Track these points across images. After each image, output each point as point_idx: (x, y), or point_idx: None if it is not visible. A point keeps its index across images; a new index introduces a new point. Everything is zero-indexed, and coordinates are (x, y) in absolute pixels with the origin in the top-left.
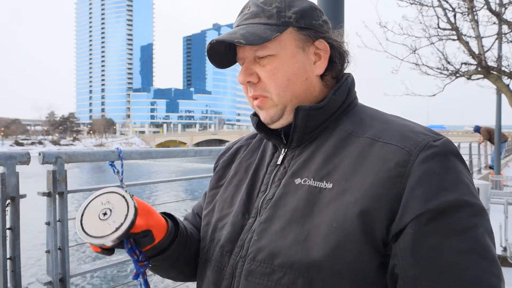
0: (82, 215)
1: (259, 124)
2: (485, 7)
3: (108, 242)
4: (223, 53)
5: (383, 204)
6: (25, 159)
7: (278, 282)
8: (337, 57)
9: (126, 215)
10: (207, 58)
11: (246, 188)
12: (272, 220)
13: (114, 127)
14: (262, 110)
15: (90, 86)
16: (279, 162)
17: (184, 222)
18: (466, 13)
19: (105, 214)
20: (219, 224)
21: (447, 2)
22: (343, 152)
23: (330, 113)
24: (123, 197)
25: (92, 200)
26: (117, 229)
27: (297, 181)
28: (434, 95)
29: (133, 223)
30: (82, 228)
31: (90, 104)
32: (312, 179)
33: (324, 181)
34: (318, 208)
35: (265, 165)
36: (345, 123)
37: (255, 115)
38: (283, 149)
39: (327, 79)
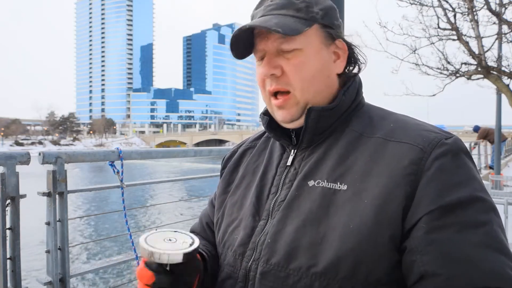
0: (146, 239)
1: (270, 123)
2: (485, 7)
3: (180, 256)
4: (242, 43)
5: (399, 203)
6: (25, 159)
7: (293, 286)
8: (353, 58)
9: (193, 242)
10: (207, 58)
11: (255, 190)
12: (286, 221)
13: (114, 127)
14: (283, 109)
15: (90, 86)
16: (289, 163)
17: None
18: (466, 13)
19: (170, 240)
20: (229, 229)
21: (447, 2)
22: (355, 153)
23: (340, 114)
24: (180, 232)
25: (150, 234)
26: (190, 245)
27: (311, 183)
28: (434, 95)
29: (199, 246)
30: (152, 246)
31: (90, 104)
32: (325, 181)
33: (338, 183)
34: (333, 210)
35: (274, 166)
36: (355, 124)
37: (265, 114)
38: (292, 150)
39: (341, 79)
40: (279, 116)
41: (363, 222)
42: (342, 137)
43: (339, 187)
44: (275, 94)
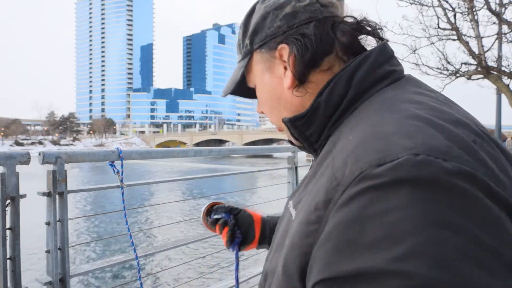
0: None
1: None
2: (485, 7)
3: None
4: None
5: (297, 262)
6: (25, 159)
7: None
8: (306, 48)
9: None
10: (207, 58)
11: None
12: (272, 244)
13: (114, 127)
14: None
15: (90, 86)
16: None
17: None
18: (466, 13)
19: None
20: None
21: (447, 2)
22: (316, 174)
23: (325, 117)
24: None
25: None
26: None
27: (289, 203)
28: None
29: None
30: None
31: (90, 104)
32: (292, 205)
33: (295, 209)
34: (286, 241)
35: None
36: (338, 130)
37: None
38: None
39: (316, 79)
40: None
41: (279, 269)
42: (323, 150)
43: (292, 214)
44: None
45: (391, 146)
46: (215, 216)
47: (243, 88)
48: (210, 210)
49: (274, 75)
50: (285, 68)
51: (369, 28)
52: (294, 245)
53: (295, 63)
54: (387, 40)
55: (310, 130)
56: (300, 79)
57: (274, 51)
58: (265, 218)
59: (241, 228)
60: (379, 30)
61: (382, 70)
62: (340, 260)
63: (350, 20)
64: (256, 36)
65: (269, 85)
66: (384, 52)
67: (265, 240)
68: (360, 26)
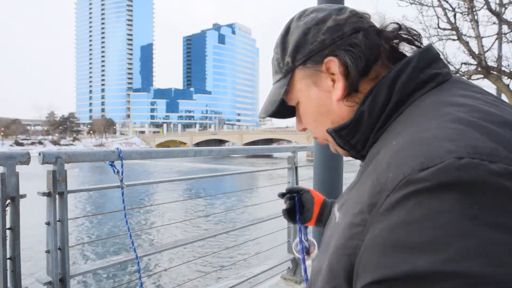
0: None
1: None
2: (485, 7)
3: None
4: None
5: (341, 261)
6: (25, 159)
7: None
8: (359, 57)
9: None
10: (207, 58)
11: None
12: (321, 244)
13: (114, 127)
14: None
15: (90, 86)
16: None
17: None
18: (466, 13)
19: None
20: None
21: (447, 2)
22: (360, 178)
23: (370, 125)
24: None
25: None
26: None
27: (335, 206)
28: None
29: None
30: None
31: (90, 104)
32: (338, 210)
33: (339, 213)
34: (327, 241)
35: None
36: (382, 137)
37: None
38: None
39: (364, 89)
40: (332, 150)
41: (325, 269)
42: (368, 156)
43: (336, 218)
44: None
45: (433, 150)
46: (282, 192)
47: (279, 108)
48: (287, 190)
49: (322, 89)
50: (333, 81)
51: (408, 35)
52: (339, 247)
53: (349, 73)
54: (433, 43)
55: (355, 138)
56: (352, 90)
57: (320, 65)
58: (325, 201)
59: (304, 206)
60: (418, 36)
61: (425, 74)
62: (391, 262)
63: (390, 28)
64: (298, 52)
65: (316, 99)
66: (427, 56)
67: (321, 220)
68: (400, 34)
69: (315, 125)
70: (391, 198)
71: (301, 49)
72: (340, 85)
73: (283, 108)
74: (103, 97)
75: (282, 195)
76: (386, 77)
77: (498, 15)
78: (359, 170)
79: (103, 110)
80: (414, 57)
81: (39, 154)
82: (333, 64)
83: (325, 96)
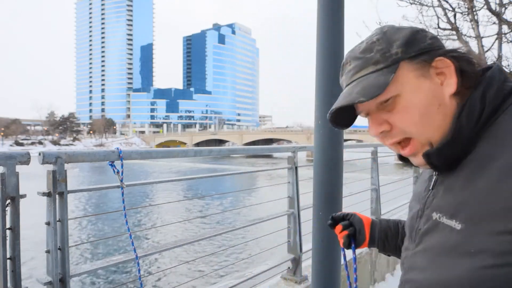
0: None
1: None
2: (485, 7)
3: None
4: (342, 113)
5: (500, 269)
6: (25, 159)
7: None
8: (465, 65)
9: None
10: (207, 58)
11: (411, 211)
12: (419, 254)
13: (114, 127)
14: (415, 156)
15: (90, 86)
16: (431, 187)
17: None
18: (466, 13)
19: None
20: (402, 248)
21: (447, 2)
22: (476, 182)
23: (468, 137)
24: None
25: None
26: None
27: (434, 215)
28: None
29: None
30: None
31: (90, 104)
32: (444, 216)
33: (454, 220)
34: (446, 252)
35: (424, 188)
36: (484, 142)
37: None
38: (434, 172)
39: (463, 93)
40: (415, 162)
41: (455, 275)
42: (469, 160)
43: (454, 225)
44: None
45: None
46: (332, 221)
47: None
48: (333, 218)
49: (434, 82)
50: (443, 77)
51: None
52: (487, 255)
53: (462, 73)
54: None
55: (454, 152)
56: (461, 87)
57: (429, 63)
58: (374, 222)
59: (354, 230)
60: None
61: (507, 86)
62: None
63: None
64: (409, 47)
65: (429, 91)
66: (502, 71)
67: (374, 241)
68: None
69: (422, 119)
70: None
71: (412, 45)
72: (453, 81)
73: (347, 112)
74: (103, 97)
75: (333, 224)
76: (478, 90)
77: (498, 15)
78: (462, 174)
79: (103, 110)
80: (495, 73)
81: (39, 154)
82: (444, 63)
83: (439, 89)
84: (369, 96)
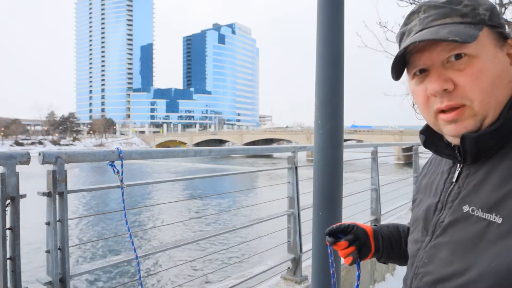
0: None
1: (428, 139)
2: None
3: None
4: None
5: None
6: (25, 159)
7: None
8: None
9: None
10: (207, 58)
11: (425, 204)
12: (441, 246)
13: (114, 127)
14: (456, 123)
15: (90, 86)
16: (454, 180)
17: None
18: None
19: None
20: (410, 239)
21: None
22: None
23: (507, 131)
24: None
25: None
26: None
27: (465, 208)
28: None
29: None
30: None
31: (90, 104)
32: (480, 209)
33: (494, 214)
34: (483, 245)
35: (443, 180)
36: None
37: (422, 133)
38: (458, 165)
39: None
40: (451, 130)
41: (507, 263)
42: (508, 156)
43: (494, 219)
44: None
45: None
46: (344, 239)
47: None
48: (330, 232)
49: (505, 59)
50: (510, 59)
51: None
52: None
53: None
54: None
55: (490, 142)
56: None
57: (505, 40)
58: (375, 230)
59: (360, 243)
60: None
61: None
62: None
63: None
64: (494, 15)
65: (503, 63)
66: None
67: (379, 251)
68: None
69: (489, 89)
70: None
71: (495, 15)
72: None
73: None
74: (103, 97)
75: (334, 240)
76: None
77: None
78: (501, 167)
79: (103, 110)
80: None
81: (39, 154)
82: None
83: (508, 65)
84: (463, 39)
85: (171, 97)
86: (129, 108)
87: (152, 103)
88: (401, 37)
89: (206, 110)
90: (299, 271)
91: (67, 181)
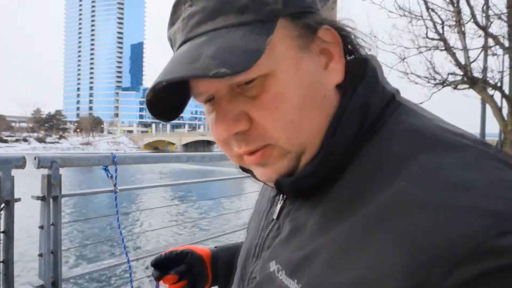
0: None
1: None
2: (472, 20)
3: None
4: (164, 92)
5: None
6: (21, 163)
7: None
8: (353, 45)
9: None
10: None
11: (248, 242)
12: None
13: (102, 126)
14: (264, 166)
15: (78, 84)
16: (274, 217)
17: None
18: (454, 25)
19: None
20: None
21: (436, 13)
22: (338, 224)
23: (339, 158)
24: None
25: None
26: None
27: (272, 266)
28: (421, 103)
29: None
30: None
31: (78, 102)
32: (283, 270)
33: (294, 278)
34: None
35: (266, 213)
36: (356, 165)
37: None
38: (280, 196)
39: (344, 86)
40: (260, 175)
41: None
42: (327, 196)
43: (292, 285)
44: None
45: (500, 203)
46: (173, 272)
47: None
48: (157, 263)
49: (316, 62)
50: (328, 57)
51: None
52: None
53: (343, 57)
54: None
55: (314, 178)
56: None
57: (314, 31)
58: (214, 253)
59: (194, 274)
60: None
61: (389, 87)
62: None
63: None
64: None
65: (313, 73)
66: (381, 69)
67: (218, 277)
68: None
69: (296, 120)
70: (457, 277)
71: None
72: (340, 66)
73: (173, 93)
74: (91, 95)
75: (160, 274)
76: (356, 95)
77: (484, 28)
78: (318, 210)
79: (90, 108)
80: (374, 71)
81: (35, 158)
82: (332, 36)
83: (323, 74)
84: (234, 69)
85: None
86: (117, 107)
87: (141, 103)
88: (170, 43)
89: (196, 111)
90: None
91: (61, 185)
